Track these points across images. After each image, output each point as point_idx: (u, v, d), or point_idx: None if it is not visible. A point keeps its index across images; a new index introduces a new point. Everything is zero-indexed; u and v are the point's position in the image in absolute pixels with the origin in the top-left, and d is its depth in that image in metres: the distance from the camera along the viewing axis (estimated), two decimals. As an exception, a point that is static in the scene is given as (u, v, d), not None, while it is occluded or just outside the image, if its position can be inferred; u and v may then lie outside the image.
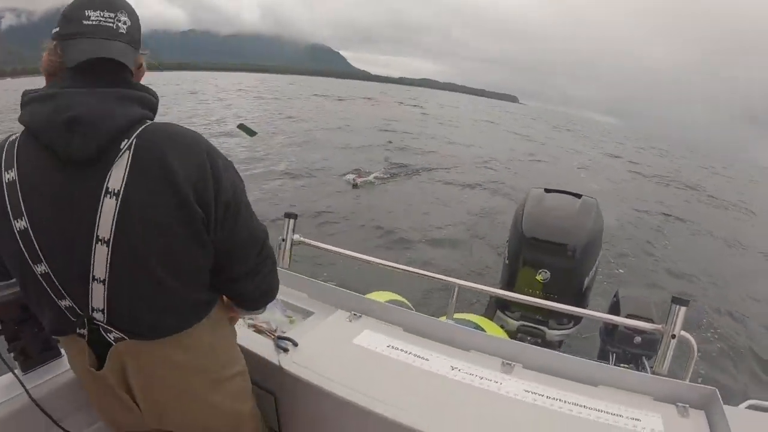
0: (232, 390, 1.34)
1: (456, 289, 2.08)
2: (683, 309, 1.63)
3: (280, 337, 1.78)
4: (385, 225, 9.70)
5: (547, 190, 3.50)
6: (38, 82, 1.08)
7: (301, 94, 53.88)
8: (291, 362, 1.65)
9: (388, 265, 2.28)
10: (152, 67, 1.19)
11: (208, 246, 1.10)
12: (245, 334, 1.80)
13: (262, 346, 1.73)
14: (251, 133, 2.66)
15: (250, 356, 1.57)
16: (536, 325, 3.20)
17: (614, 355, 3.11)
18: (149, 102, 1.08)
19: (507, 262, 3.30)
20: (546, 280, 3.06)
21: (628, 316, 2.86)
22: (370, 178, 12.97)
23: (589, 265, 3.16)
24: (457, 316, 2.30)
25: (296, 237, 2.33)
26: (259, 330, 1.86)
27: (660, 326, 1.70)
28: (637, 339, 2.98)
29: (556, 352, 1.75)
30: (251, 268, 1.23)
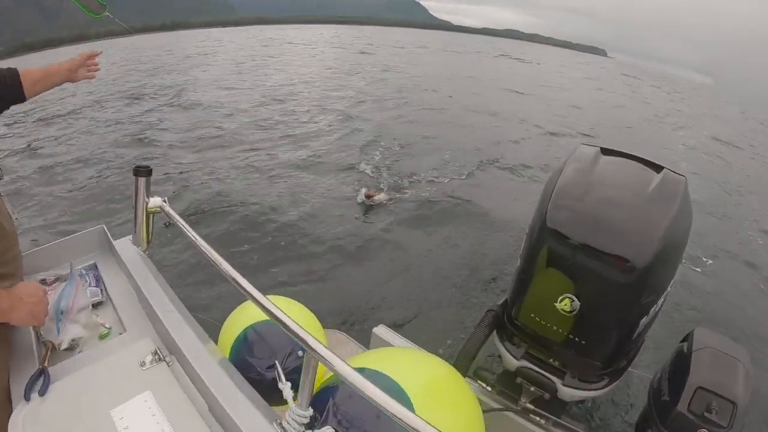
0: None
1: None
2: None
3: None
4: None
5: (605, 151, 1.97)
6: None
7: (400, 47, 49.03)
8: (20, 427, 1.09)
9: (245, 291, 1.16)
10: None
11: None
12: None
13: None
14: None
15: None
16: (546, 374, 1.89)
17: None
18: None
19: (518, 263, 1.94)
20: (574, 311, 1.70)
21: (700, 390, 1.63)
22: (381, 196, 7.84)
23: (658, 290, 1.73)
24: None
25: (155, 202, 1.59)
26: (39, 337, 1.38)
27: None
28: None
29: None
30: None
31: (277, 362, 1.27)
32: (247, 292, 1.14)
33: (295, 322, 1.04)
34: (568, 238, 1.67)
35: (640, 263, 1.60)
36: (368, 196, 7.56)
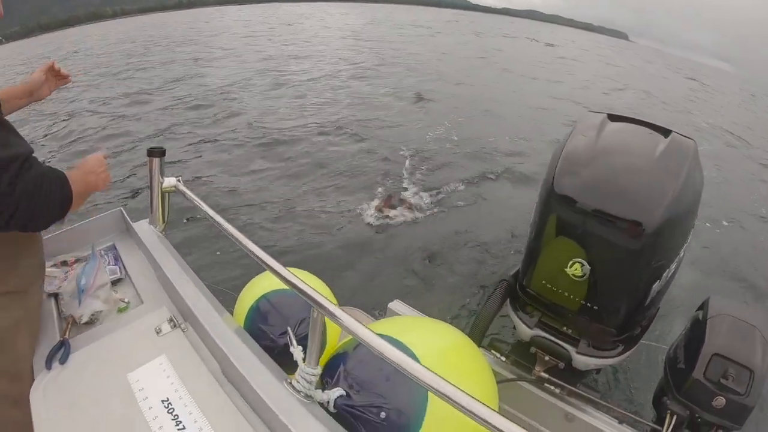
0: None
1: None
2: None
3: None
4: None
5: (613, 117, 1.94)
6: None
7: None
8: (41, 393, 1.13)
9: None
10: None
11: None
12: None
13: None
14: None
15: None
16: (560, 342, 1.87)
17: (674, 417, 1.69)
18: None
19: (529, 232, 1.91)
20: (584, 275, 1.68)
21: (715, 357, 1.62)
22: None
23: (669, 255, 1.70)
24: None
25: (170, 181, 1.63)
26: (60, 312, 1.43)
27: None
28: (720, 401, 1.58)
29: None
30: None
31: (289, 328, 1.29)
32: (263, 261, 1.15)
33: (305, 283, 1.06)
34: (576, 203, 1.65)
35: (649, 226, 1.57)
36: (381, 209, 6.34)
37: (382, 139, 9.41)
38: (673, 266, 1.75)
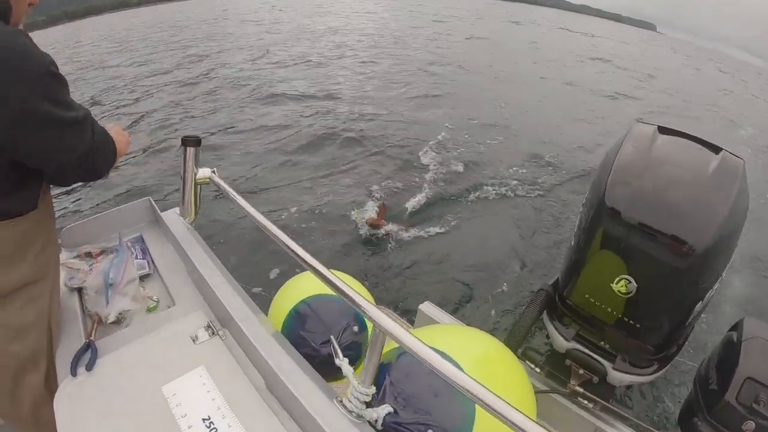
0: None
1: None
2: None
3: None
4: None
5: (663, 129, 1.84)
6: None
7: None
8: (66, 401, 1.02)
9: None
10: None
11: None
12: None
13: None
14: None
15: None
16: (597, 356, 1.79)
17: None
18: None
19: (573, 242, 1.83)
20: (630, 294, 1.60)
21: (748, 381, 1.54)
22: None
23: (715, 275, 1.62)
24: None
25: (203, 172, 1.49)
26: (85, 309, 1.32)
27: None
28: (750, 425, 1.51)
29: None
30: None
31: (332, 337, 1.21)
32: (308, 264, 1.05)
33: (361, 295, 0.97)
34: (627, 216, 1.56)
35: (700, 247, 1.49)
36: (373, 224, 5.26)
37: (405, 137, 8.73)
38: (715, 286, 1.69)
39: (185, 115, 9.96)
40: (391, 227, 5.39)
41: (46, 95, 0.98)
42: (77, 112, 1.07)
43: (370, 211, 5.74)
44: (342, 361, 1.07)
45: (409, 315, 2.38)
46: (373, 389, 1.01)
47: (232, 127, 9.01)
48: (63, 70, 1.03)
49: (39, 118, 0.97)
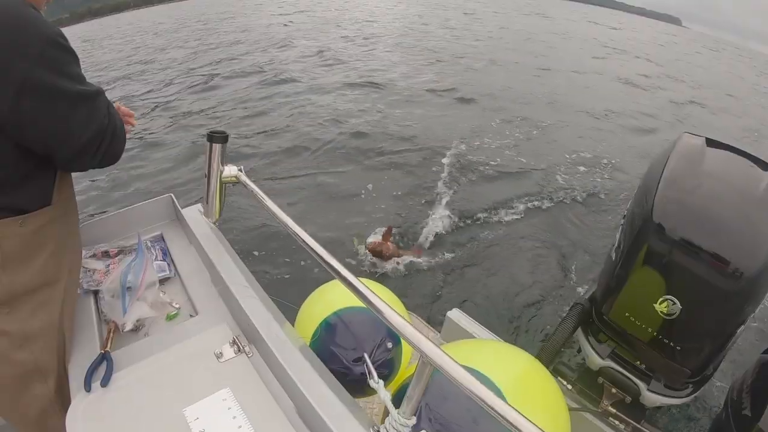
0: None
1: None
2: None
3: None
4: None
5: (711, 143, 1.74)
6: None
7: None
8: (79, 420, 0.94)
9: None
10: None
11: None
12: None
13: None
14: None
15: None
16: (632, 376, 1.70)
17: None
18: None
19: (613, 255, 1.73)
20: (673, 315, 1.50)
21: None
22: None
23: (760, 297, 1.51)
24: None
25: (230, 171, 1.37)
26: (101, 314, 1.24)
27: None
28: None
29: None
30: None
31: (366, 356, 1.13)
32: (341, 275, 0.95)
33: (398, 314, 0.88)
34: (675, 234, 1.45)
35: (749, 270, 1.40)
36: (375, 251, 4.31)
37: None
38: (757, 309, 1.60)
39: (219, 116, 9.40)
40: (398, 252, 4.49)
41: (51, 65, 0.91)
42: (87, 87, 0.99)
43: (376, 234, 4.88)
44: (378, 384, 0.98)
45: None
46: (414, 420, 0.92)
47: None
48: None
49: (43, 89, 0.90)
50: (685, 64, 24.17)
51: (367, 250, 4.42)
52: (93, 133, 1.00)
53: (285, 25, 21.83)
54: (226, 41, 18.05)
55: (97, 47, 20.51)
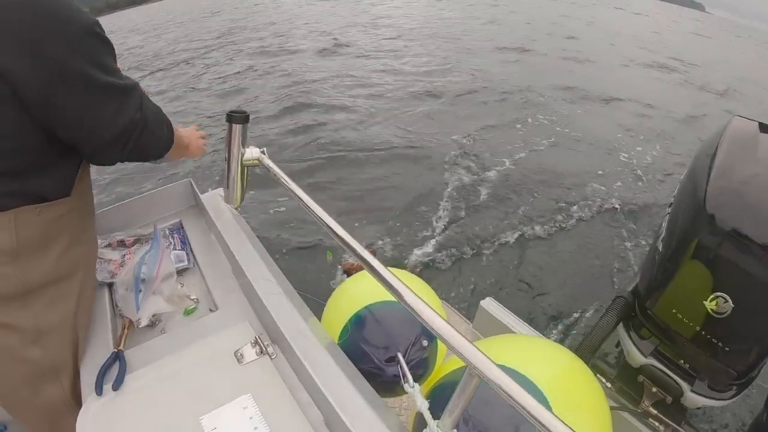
0: None
1: None
2: None
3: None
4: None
5: (765, 128, 1.60)
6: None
7: None
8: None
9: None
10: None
11: None
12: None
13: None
14: None
15: None
16: (675, 376, 1.59)
17: None
18: None
19: (660, 246, 1.61)
20: (724, 313, 1.39)
21: None
22: None
23: None
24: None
25: (251, 153, 1.24)
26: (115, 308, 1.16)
27: None
28: None
29: None
30: None
31: (400, 356, 1.05)
32: (373, 268, 0.86)
33: (437, 312, 0.78)
34: (730, 227, 1.33)
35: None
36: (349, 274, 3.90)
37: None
38: None
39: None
40: None
41: (86, 54, 0.88)
42: (120, 79, 0.95)
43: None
44: (413, 389, 0.90)
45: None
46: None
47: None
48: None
49: (75, 77, 0.86)
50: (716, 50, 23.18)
51: (340, 266, 4.14)
52: (121, 127, 0.96)
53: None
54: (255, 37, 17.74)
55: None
